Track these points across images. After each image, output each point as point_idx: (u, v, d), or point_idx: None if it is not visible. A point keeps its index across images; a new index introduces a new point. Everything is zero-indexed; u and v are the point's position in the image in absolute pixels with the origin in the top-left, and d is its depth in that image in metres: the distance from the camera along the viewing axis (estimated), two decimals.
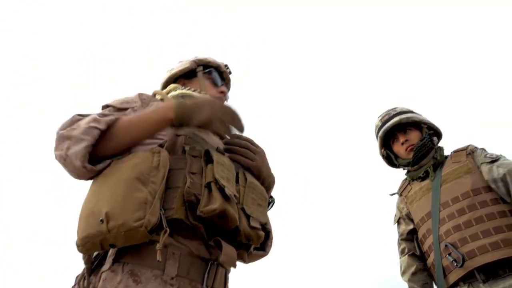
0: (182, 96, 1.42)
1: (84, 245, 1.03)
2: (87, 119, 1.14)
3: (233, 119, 1.19)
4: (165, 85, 1.63)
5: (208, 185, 1.08)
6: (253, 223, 1.16)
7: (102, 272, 1.04)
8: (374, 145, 2.30)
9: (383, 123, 2.16)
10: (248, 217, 1.16)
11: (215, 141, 1.31)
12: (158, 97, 1.43)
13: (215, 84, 1.61)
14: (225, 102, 1.63)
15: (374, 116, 2.32)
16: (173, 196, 1.06)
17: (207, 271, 1.08)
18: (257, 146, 1.35)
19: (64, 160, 1.10)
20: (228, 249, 1.08)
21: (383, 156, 2.25)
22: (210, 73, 1.61)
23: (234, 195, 1.12)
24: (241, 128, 1.21)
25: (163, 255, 1.01)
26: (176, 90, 1.49)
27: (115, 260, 1.03)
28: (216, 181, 1.08)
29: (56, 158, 1.14)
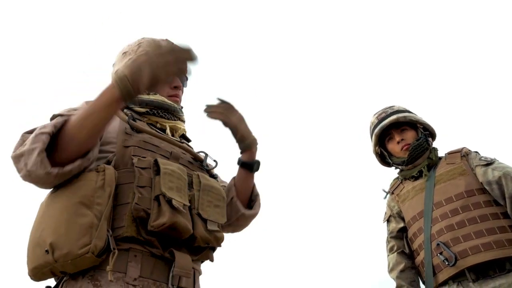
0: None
1: (35, 275, 1.04)
2: (35, 131, 1.08)
3: (177, 56, 1.08)
4: None
5: (157, 198, 1.09)
6: (210, 226, 1.19)
7: (64, 281, 1.04)
8: (369, 145, 2.31)
9: (380, 121, 2.17)
10: (205, 221, 1.18)
11: (168, 146, 1.29)
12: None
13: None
14: (181, 92, 1.53)
15: (368, 115, 2.33)
16: (123, 213, 1.07)
17: (171, 270, 1.10)
18: (236, 110, 1.46)
19: (30, 177, 1.04)
20: (181, 261, 1.10)
21: (376, 153, 2.26)
22: None
23: (185, 204, 1.13)
24: (192, 57, 1.09)
25: (124, 258, 1.04)
26: None
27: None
28: (164, 194, 1.09)
29: (23, 180, 1.08)
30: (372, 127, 2.23)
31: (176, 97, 1.48)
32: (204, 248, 1.21)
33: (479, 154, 2.01)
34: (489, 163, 1.89)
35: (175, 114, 1.44)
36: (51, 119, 1.18)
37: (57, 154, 1.06)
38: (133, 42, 1.51)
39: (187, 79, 1.58)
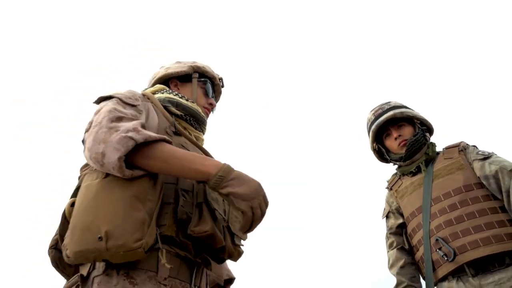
0: (170, 101, 1.44)
1: (76, 258, 1.04)
2: (127, 125, 1.11)
3: (259, 217, 1.12)
4: (157, 81, 1.61)
5: (199, 205, 1.13)
6: (237, 241, 1.24)
7: (94, 277, 1.05)
8: (367, 142, 2.30)
9: (377, 117, 2.16)
10: (232, 235, 1.23)
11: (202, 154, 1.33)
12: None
13: (206, 94, 1.61)
14: (211, 114, 1.65)
15: (365, 112, 2.32)
16: (165, 212, 1.11)
17: (194, 271, 1.16)
18: None
19: (101, 165, 1.08)
20: (216, 268, 1.21)
21: (374, 150, 2.25)
22: (205, 83, 1.61)
23: (223, 217, 1.19)
24: (248, 231, 1.14)
25: (154, 258, 1.06)
26: (163, 93, 1.48)
27: (108, 265, 1.04)
28: (208, 203, 1.14)
29: (87, 156, 1.11)
30: (369, 124, 2.22)
31: (208, 111, 1.60)
32: (224, 260, 1.26)
33: (476, 148, 2.00)
34: (486, 157, 1.88)
35: (201, 126, 1.52)
36: (106, 98, 1.24)
37: (132, 156, 1.09)
38: (185, 62, 1.64)
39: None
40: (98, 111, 1.20)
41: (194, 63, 1.63)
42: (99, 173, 1.13)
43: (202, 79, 1.61)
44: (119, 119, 1.13)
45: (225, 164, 1.12)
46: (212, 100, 1.62)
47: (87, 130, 1.16)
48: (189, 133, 1.45)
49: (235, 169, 1.12)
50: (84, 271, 1.08)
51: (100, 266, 1.05)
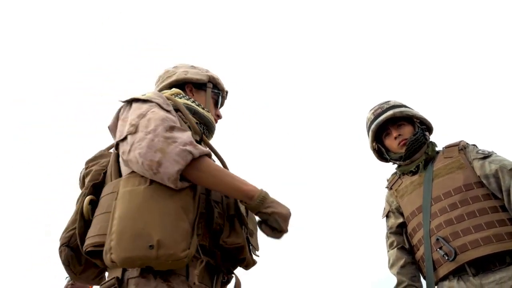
0: (188, 107, 1.46)
1: (123, 263, 1.05)
2: (183, 137, 1.14)
3: (280, 234, 1.21)
4: (174, 83, 1.61)
5: (230, 217, 1.20)
6: (253, 251, 1.30)
7: (129, 279, 1.06)
8: (366, 142, 2.30)
9: (376, 117, 2.16)
10: (250, 245, 1.29)
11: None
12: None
13: (216, 105, 1.68)
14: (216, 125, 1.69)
15: (365, 111, 2.32)
16: (200, 222, 1.15)
17: (215, 278, 1.22)
18: None
19: (154, 173, 1.10)
20: (238, 279, 1.25)
21: (374, 149, 2.25)
22: (217, 95, 1.68)
23: (251, 230, 1.27)
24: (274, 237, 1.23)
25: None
26: (181, 98, 1.50)
27: (143, 269, 1.06)
28: (240, 216, 1.23)
29: (138, 161, 1.12)
30: (368, 123, 2.22)
31: (215, 122, 1.64)
32: (239, 267, 1.31)
33: (476, 147, 1.99)
34: (486, 156, 1.88)
35: (211, 134, 1.57)
36: (141, 101, 1.28)
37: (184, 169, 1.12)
38: (203, 70, 1.70)
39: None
40: (143, 115, 1.21)
41: (209, 73, 1.68)
42: (141, 179, 1.14)
43: (216, 91, 1.68)
44: (172, 128, 1.17)
45: (264, 191, 1.20)
46: (219, 112, 1.69)
47: (131, 133, 1.17)
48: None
49: (276, 201, 1.21)
50: (117, 273, 1.09)
51: (135, 269, 1.07)
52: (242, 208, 1.29)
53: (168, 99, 1.39)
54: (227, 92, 1.77)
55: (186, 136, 1.16)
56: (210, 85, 1.65)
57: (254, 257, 1.32)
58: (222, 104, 1.76)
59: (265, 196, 1.18)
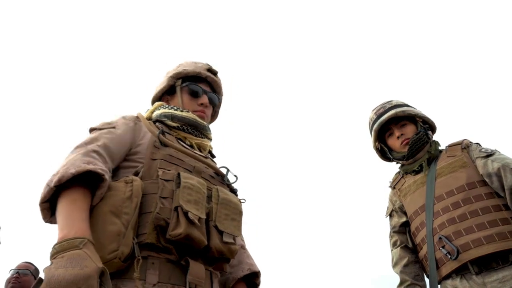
0: (165, 115, 1.50)
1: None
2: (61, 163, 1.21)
3: None
4: (152, 102, 1.68)
5: (176, 209, 1.18)
6: (226, 239, 1.27)
7: None
8: (368, 141, 2.30)
9: (378, 116, 2.16)
10: (221, 233, 1.26)
11: (192, 161, 1.38)
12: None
13: (194, 95, 1.60)
14: (209, 110, 1.64)
15: (368, 110, 2.32)
16: (146, 221, 1.16)
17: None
18: None
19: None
20: (195, 269, 1.19)
21: (376, 149, 2.26)
22: (187, 86, 1.61)
23: (200, 218, 1.21)
24: None
25: (143, 265, 1.11)
26: (160, 109, 1.55)
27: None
28: (181, 207, 1.18)
29: None
30: (371, 123, 2.22)
31: (202, 112, 1.59)
32: (218, 259, 1.28)
33: (479, 145, 1.99)
34: (489, 154, 1.88)
35: (203, 132, 1.55)
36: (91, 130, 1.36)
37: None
38: (165, 75, 1.70)
39: (219, 99, 1.72)
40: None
41: (173, 71, 1.64)
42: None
43: (185, 83, 1.60)
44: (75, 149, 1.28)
45: (73, 238, 1.01)
46: (203, 99, 1.60)
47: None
48: (189, 142, 1.50)
49: (80, 248, 0.99)
50: None
51: None
52: (216, 193, 1.31)
53: (138, 117, 1.47)
54: (209, 68, 1.67)
55: (66, 161, 1.18)
56: (179, 82, 1.61)
57: (232, 245, 1.28)
58: (213, 83, 1.67)
59: (60, 248, 0.98)
